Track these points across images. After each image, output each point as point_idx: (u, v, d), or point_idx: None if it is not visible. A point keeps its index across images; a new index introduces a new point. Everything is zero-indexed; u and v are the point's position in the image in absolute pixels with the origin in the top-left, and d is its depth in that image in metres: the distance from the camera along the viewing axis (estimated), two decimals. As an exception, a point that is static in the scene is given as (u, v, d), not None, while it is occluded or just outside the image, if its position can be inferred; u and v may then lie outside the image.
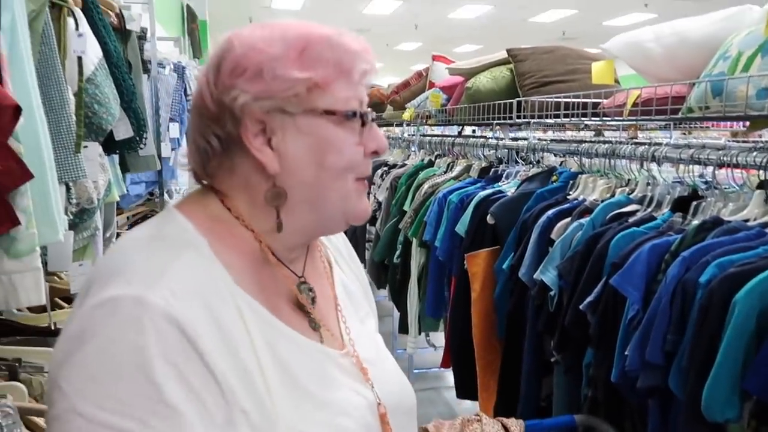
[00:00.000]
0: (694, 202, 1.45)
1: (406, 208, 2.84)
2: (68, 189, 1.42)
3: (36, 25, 1.23)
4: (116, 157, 1.97)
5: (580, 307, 1.43)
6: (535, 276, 1.67)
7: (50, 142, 1.23)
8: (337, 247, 0.88)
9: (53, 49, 1.28)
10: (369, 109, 0.71)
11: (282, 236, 0.70)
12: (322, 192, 0.68)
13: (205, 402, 0.57)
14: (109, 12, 1.85)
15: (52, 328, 1.64)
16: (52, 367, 0.58)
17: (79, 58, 1.40)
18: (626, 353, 1.27)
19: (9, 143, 1.05)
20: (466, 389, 2.23)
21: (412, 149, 3.68)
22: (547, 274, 1.63)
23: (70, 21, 1.40)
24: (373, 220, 3.48)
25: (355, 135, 0.69)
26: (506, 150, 2.56)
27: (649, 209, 1.56)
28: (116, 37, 1.79)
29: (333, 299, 0.79)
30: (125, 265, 0.61)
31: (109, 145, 1.78)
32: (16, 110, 1.03)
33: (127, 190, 2.39)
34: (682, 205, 1.49)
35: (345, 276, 0.85)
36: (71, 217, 1.45)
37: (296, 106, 0.66)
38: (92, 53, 1.49)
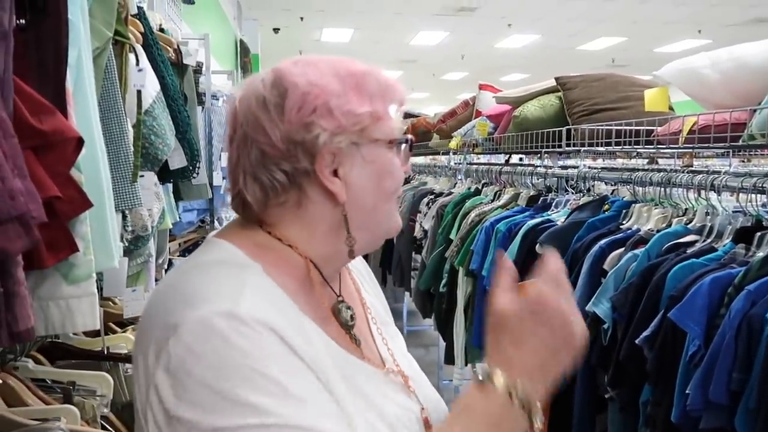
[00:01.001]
0: (758, 233, 1.38)
1: (452, 236, 2.81)
2: (124, 217, 1.46)
3: (100, 61, 1.30)
4: (170, 186, 2.03)
5: (636, 341, 1.37)
6: (587, 308, 1.62)
7: (109, 171, 1.28)
8: (359, 269, 0.91)
9: (115, 83, 1.34)
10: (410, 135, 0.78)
11: (331, 261, 0.74)
12: (376, 215, 0.74)
13: (316, 387, 0.61)
14: (168, 48, 1.93)
15: (105, 352, 1.68)
16: (159, 412, 0.59)
17: (139, 92, 1.47)
18: (688, 391, 1.20)
19: (71, 173, 1.10)
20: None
21: (459, 177, 3.66)
22: (600, 306, 1.57)
23: (131, 57, 1.47)
24: (419, 248, 3.46)
25: (400, 159, 0.75)
26: (555, 178, 2.51)
27: (709, 240, 1.50)
28: (173, 71, 1.87)
29: (365, 318, 0.82)
30: (198, 289, 0.63)
31: (164, 174, 1.84)
32: (79, 142, 1.08)
33: (180, 218, 2.45)
34: (744, 236, 1.42)
35: (370, 297, 0.88)
36: (126, 244, 1.50)
37: (363, 138, 0.71)
38: (151, 87, 1.55)
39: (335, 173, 0.70)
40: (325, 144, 0.69)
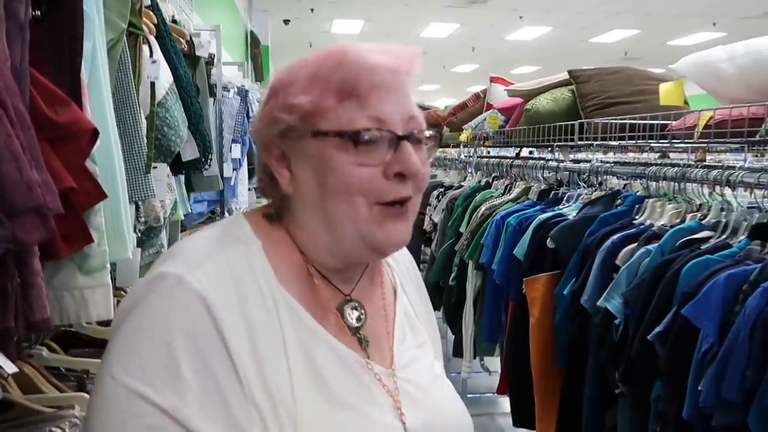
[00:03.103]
0: (775, 230, 1.36)
1: (462, 230, 2.81)
2: (137, 208, 1.47)
3: (114, 52, 1.30)
4: (182, 177, 2.04)
5: (648, 337, 1.36)
6: (598, 303, 1.61)
7: (123, 163, 1.28)
8: (405, 269, 0.87)
9: (129, 75, 1.34)
10: (406, 133, 0.67)
11: (317, 256, 0.71)
12: (331, 214, 0.68)
13: (219, 382, 0.60)
14: (181, 39, 1.93)
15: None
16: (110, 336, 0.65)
17: (152, 84, 1.47)
18: (700, 388, 1.20)
19: (86, 164, 1.10)
20: (522, 418, 2.16)
21: (469, 171, 3.65)
22: (612, 302, 1.56)
23: (145, 48, 1.48)
24: (428, 242, 3.46)
25: (353, 155, 0.66)
26: (566, 172, 2.50)
27: (724, 236, 1.48)
28: (186, 63, 1.87)
29: (390, 322, 0.78)
30: (181, 250, 0.68)
31: (176, 165, 1.85)
32: (94, 133, 1.08)
33: (191, 209, 2.46)
34: (760, 232, 1.40)
35: (409, 300, 0.83)
36: (139, 235, 1.50)
37: (299, 131, 0.68)
38: (164, 78, 1.56)
39: (289, 165, 0.70)
40: (259, 133, 0.70)
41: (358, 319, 0.73)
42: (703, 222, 1.59)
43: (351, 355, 0.69)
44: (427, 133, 0.71)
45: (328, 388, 0.65)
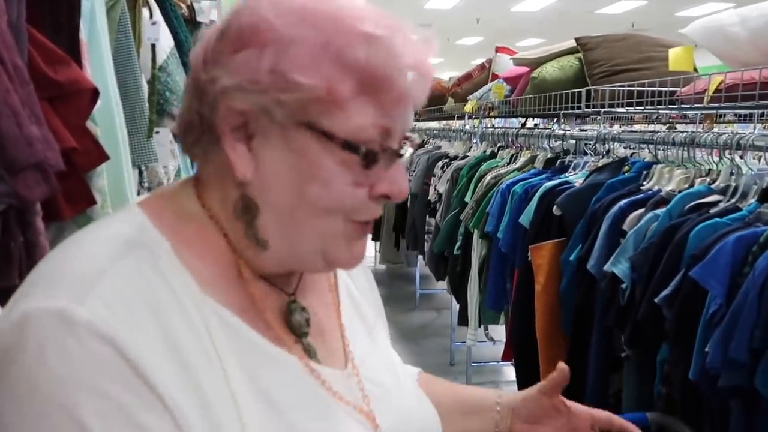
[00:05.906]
0: (785, 192, 1.35)
1: (467, 199, 2.80)
2: (140, 173, 1.46)
3: (113, 13, 1.28)
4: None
5: (656, 300, 1.35)
6: (605, 268, 1.60)
7: (125, 126, 1.27)
8: None
9: (129, 36, 1.32)
10: (400, 146, 0.55)
11: (258, 261, 0.56)
12: (297, 224, 0.54)
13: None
14: (181, 4, 1.90)
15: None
16: None
17: (153, 46, 1.45)
18: (707, 350, 1.19)
19: (87, 125, 1.09)
20: (528, 384, 2.14)
21: (474, 141, 3.62)
22: (619, 266, 1.55)
23: (145, 10, 1.45)
24: (432, 212, 3.45)
25: (354, 173, 0.52)
26: (573, 141, 2.47)
27: (733, 200, 1.46)
28: (187, 28, 1.84)
29: (335, 311, 0.66)
30: (49, 271, 0.50)
31: (179, 132, 1.83)
32: (94, 93, 1.07)
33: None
34: (770, 195, 1.39)
35: (351, 281, 0.71)
36: (143, 201, 1.50)
37: (289, 115, 0.51)
38: (165, 42, 1.54)
39: (249, 141, 0.52)
40: (223, 92, 0.51)
41: (306, 322, 0.60)
42: (712, 186, 1.57)
43: (299, 366, 0.57)
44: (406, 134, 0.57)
45: (288, 420, 0.53)
